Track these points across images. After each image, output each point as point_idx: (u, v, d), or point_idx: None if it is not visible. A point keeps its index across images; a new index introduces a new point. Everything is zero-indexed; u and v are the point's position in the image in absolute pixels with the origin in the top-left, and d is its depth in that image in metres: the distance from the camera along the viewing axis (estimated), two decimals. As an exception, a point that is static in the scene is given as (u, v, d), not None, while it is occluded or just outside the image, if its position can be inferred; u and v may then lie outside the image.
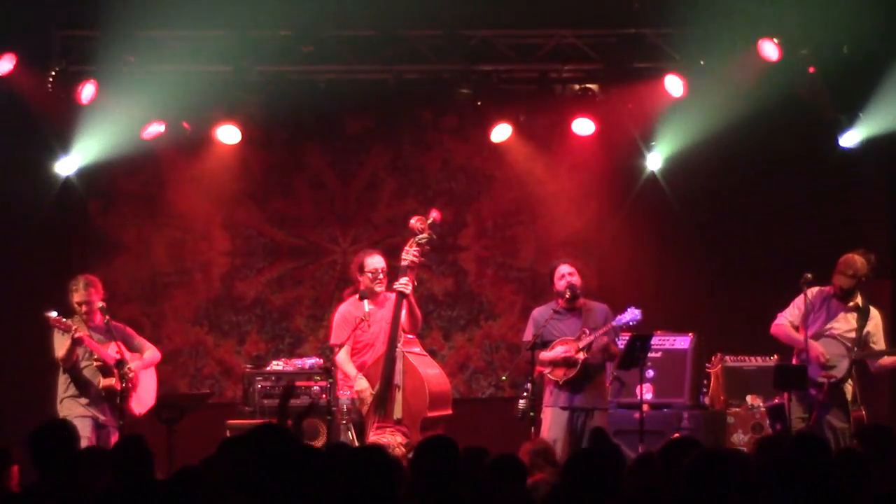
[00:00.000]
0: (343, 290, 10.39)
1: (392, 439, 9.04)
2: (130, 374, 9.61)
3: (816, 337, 9.43)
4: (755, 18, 10.59)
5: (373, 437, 9.16)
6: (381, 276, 9.51)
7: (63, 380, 9.69)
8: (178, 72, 10.93)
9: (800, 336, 9.46)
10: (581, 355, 9.43)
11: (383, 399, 9.27)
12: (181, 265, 12.17)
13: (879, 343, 9.51)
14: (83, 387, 9.63)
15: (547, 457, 7.06)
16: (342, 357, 9.46)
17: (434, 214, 9.62)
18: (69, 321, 9.51)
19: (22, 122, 11.01)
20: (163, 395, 10.12)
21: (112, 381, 9.58)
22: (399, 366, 9.30)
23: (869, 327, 9.48)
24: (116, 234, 12.11)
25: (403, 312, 9.39)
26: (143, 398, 9.81)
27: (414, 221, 9.53)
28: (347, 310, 9.60)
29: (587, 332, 9.49)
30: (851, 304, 9.53)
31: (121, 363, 9.51)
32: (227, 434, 9.95)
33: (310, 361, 10.88)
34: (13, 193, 11.30)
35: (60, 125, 11.15)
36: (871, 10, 10.35)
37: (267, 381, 10.71)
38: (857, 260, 9.46)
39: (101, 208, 12.11)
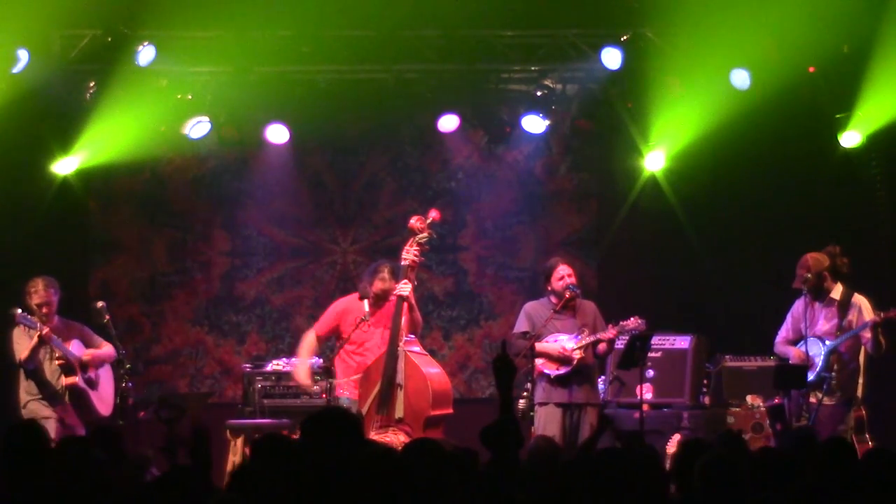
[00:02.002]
0: (343, 288, 10.39)
1: (395, 438, 9.04)
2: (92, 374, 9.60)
3: (801, 341, 9.47)
4: (755, 18, 10.58)
5: (374, 437, 9.16)
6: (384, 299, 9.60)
7: (24, 383, 9.57)
8: (178, 72, 10.94)
9: (788, 348, 9.60)
10: (577, 354, 9.46)
11: (386, 398, 9.28)
12: (181, 265, 12.17)
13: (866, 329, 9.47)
14: (45, 387, 9.54)
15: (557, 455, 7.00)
16: (309, 340, 9.73)
17: (433, 214, 9.64)
18: (35, 319, 9.47)
19: (23, 122, 10.99)
20: (163, 395, 10.10)
21: (75, 379, 9.54)
22: (400, 365, 9.32)
23: (850, 317, 9.46)
24: (116, 234, 12.11)
25: (403, 314, 9.43)
26: (105, 397, 9.77)
27: (414, 221, 9.55)
28: (345, 307, 9.63)
29: (586, 331, 9.51)
30: (826, 300, 9.54)
31: (121, 362, 9.51)
32: (228, 434, 9.97)
33: (309, 361, 10.87)
34: (13, 193, 11.31)
35: (61, 125, 11.14)
36: (870, 10, 10.35)
37: (267, 381, 10.73)
38: (809, 258, 9.50)
39: (101, 208, 12.11)
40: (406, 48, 10.95)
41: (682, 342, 10.72)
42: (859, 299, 9.49)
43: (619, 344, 9.81)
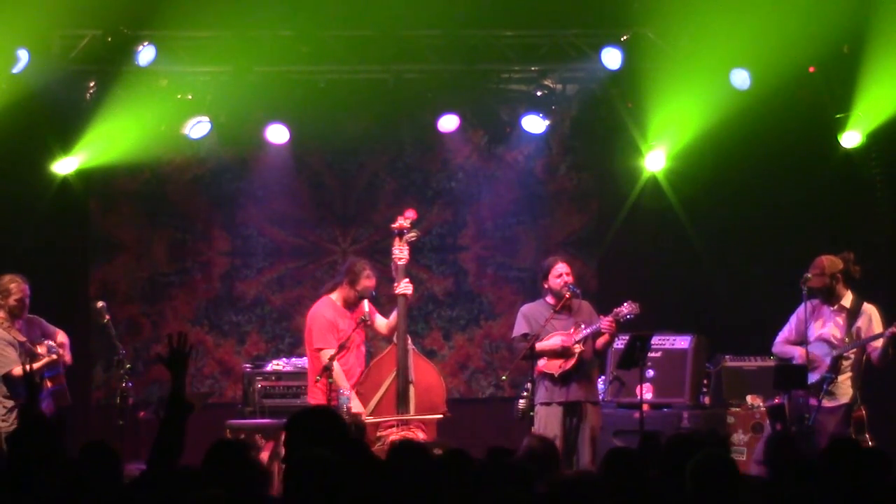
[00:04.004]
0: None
1: (416, 436, 9.14)
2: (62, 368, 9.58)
3: (807, 342, 9.48)
4: (755, 18, 10.58)
5: (395, 435, 9.21)
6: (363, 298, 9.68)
7: (2, 388, 9.33)
8: (178, 72, 10.94)
9: (792, 348, 9.60)
10: (578, 347, 9.46)
11: (403, 396, 9.39)
12: (181, 265, 12.17)
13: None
14: (22, 392, 9.25)
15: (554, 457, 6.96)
16: (338, 367, 9.46)
17: (410, 214, 9.82)
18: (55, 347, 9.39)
19: (23, 122, 10.99)
20: (163, 395, 10.09)
21: (61, 381, 9.50)
22: (410, 362, 9.51)
23: (859, 323, 9.47)
24: (116, 234, 12.11)
25: (394, 313, 9.61)
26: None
27: (402, 221, 9.71)
28: (332, 315, 9.62)
29: (582, 325, 9.53)
30: (837, 305, 9.55)
31: (120, 362, 9.50)
32: (228, 434, 9.97)
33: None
34: (13, 193, 11.31)
35: (61, 125, 11.15)
36: (870, 9, 10.35)
37: (267, 381, 10.73)
38: (824, 259, 9.52)
39: (101, 208, 12.12)
40: (406, 48, 10.94)
41: (682, 342, 10.74)
42: (869, 308, 9.51)
43: (620, 344, 9.82)
